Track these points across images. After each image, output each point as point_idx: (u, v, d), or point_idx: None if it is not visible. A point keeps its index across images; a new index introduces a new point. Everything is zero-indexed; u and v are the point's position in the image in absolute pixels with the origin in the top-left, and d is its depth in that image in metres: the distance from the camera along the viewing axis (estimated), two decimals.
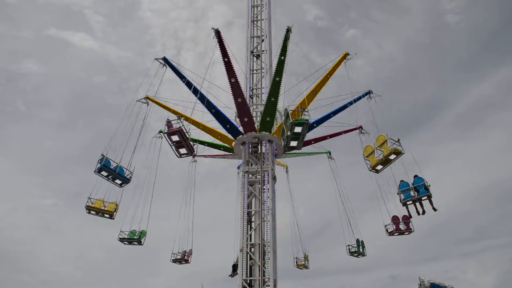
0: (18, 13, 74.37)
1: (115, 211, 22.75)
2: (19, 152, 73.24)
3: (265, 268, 21.42)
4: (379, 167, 21.70)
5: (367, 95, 25.57)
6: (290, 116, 17.75)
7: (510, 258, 63.28)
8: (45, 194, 71.52)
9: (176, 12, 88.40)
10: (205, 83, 22.64)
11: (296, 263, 30.97)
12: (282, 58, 21.50)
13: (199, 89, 22.95)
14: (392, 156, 20.95)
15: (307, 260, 31.16)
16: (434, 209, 20.91)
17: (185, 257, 28.07)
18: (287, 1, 54.92)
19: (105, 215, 22.65)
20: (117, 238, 24.24)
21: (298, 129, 17.86)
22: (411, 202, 21.60)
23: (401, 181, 22.12)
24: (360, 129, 27.61)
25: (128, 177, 22.62)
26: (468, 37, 79.30)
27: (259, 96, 26.51)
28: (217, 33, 21.70)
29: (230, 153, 27.10)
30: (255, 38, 28.31)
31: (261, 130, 23.87)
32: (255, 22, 28.64)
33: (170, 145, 20.53)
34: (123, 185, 22.61)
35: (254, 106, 25.87)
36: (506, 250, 62.62)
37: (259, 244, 22.25)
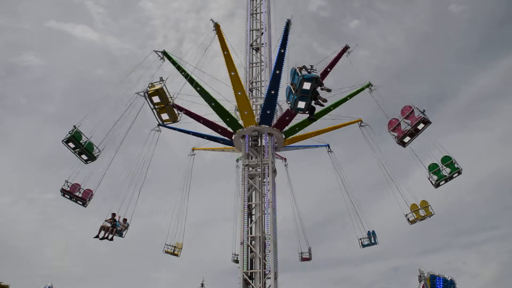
0: (18, 5, 74.19)
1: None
2: (19, 145, 73.17)
3: (265, 260, 21.61)
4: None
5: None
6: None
7: (511, 249, 63.25)
8: (45, 189, 71.55)
9: (177, 3, 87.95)
10: (205, 76, 22.49)
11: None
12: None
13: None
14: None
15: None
16: None
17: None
18: None
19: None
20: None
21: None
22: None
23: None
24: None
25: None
26: (472, 27, 78.46)
27: (259, 89, 26.49)
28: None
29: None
30: (254, 31, 28.20)
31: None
32: (255, 15, 28.52)
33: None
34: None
35: (254, 99, 25.86)
36: (507, 241, 62.56)
37: (260, 236, 22.36)
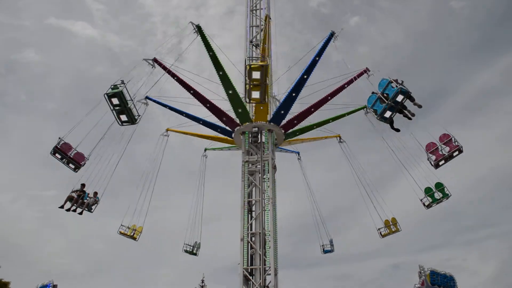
0: (18, 2, 74.12)
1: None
2: (19, 143, 73.14)
3: (265, 257, 21.65)
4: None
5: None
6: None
7: (510, 246, 63.49)
8: (45, 186, 71.71)
9: None
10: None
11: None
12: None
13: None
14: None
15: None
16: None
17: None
18: None
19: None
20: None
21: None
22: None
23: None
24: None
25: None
26: (472, 24, 78.43)
27: None
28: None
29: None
30: (254, 28, 28.06)
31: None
32: (254, 11, 28.40)
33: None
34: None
35: None
36: (507, 238, 62.85)
37: (260, 233, 22.42)
